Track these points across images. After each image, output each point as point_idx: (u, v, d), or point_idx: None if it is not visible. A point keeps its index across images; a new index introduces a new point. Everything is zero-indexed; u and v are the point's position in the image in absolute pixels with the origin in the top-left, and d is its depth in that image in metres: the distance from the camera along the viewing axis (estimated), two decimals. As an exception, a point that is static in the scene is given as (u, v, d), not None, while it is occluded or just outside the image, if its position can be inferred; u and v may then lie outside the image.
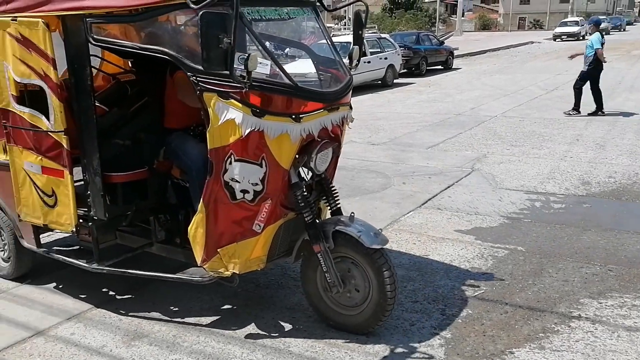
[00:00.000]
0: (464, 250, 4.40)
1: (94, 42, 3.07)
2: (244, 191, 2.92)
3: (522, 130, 9.07)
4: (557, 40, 37.61)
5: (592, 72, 9.88)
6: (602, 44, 9.81)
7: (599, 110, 9.97)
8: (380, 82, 16.38)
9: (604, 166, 6.65)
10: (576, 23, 39.73)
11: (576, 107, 10.12)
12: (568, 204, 5.44)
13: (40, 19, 3.20)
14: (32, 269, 4.05)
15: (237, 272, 3.13)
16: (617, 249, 4.29)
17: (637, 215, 5.08)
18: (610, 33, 43.85)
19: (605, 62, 10.00)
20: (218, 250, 3.07)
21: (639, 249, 4.25)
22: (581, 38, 37.63)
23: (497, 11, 74.92)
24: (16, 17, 3.31)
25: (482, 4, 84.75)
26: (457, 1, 48.11)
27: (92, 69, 3.34)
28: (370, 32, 18.40)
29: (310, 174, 3.27)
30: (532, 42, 35.99)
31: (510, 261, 4.16)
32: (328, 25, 39.94)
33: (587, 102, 10.15)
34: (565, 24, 40.06)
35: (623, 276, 3.82)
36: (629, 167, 6.53)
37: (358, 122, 10.06)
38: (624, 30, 48.77)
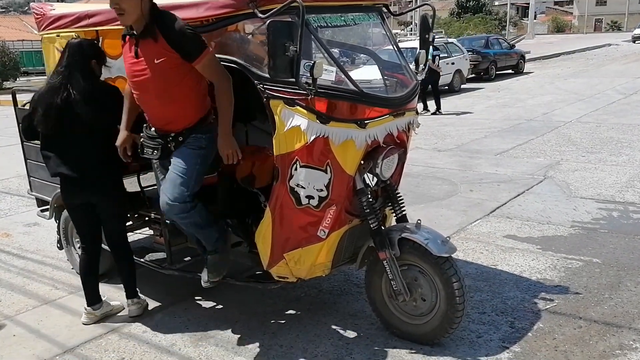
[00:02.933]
0: (534, 261, 4.22)
1: None
2: (309, 197, 2.93)
3: (598, 136, 8.62)
4: (636, 42, 35.57)
5: None
6: None
7: None
8: (447, 87, 16.09)
9: (692, 174, 6.20)
10: (658, 24, 37.39)
11: None
12: (650, 214, 5.11)
13: (74, 33, 3.56)
14: (110, 268, 4.25)
15: (302, 277, 3.15)
16: None
17: None
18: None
19: None
20: (284, 255, 3.09)
21: None
22: (663, 39, 35.43)
23: (572, 13, 71.87)
24: (59, 33, 3.69)
25: (555, 5, 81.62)
26: (528, 3, 46.53)
27: None
28: (437, 36, 18.09)
29: (376, 180, 3.24)
30: (610, 45, 34.18)
31: (585, 273, 3.94)
32: (394, 31, 39.74)
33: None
34: (645, 25, 37.77)
35: None
36: None
37: (423, 128, 9.91)
38: None
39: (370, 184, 3.27)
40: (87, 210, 3.48)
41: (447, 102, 14.11)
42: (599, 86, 14.79)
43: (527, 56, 22.76)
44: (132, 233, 4.28)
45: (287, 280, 3.20)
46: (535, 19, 52.01)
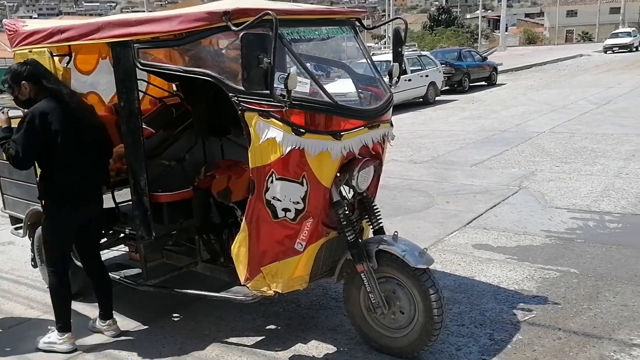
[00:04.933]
0: (512, 271, 4.23)
1: (141, 67, 3.15)
2: (286, 209, 2.91)
3: (572, 146, 8.77)
4: (607, 52, 36.51)
5: None
6: None
7: None
8: (421, 99, 16.27)
9: (663, 183, 6.33)
10: (628, 34, 38.51)
11: None
12: (625, 223, 5.18)
13: (46, 49, 3.55)
14: (84, 287, 4.14)
15: (280, 291, 3.10)
16: (680, 270, 4.04)
17: (701, 235, 4.79)
18: None
19: None
20: (261, 268, 3.06)
21: None
22: (634, 49, 36.51)
23: (543, 25, 73.62)
24: (32, 48, 3.66)
25: (526, 18, 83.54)
26: (499, 16, 47.53)
27: (139, 92, 3.43)
28: (410, 49, 18.35)
29: (352, 192, 3.23)
30: (581, 55, 35.02)
31: (563, 284, 3.97)
32: (368, 44, 40.22)
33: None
34: (616, 35, 38.93)
35: (690, 301, 3.58)
36: (690, 184, 6.19)
37: (400, 141, 10.05)
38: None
39: (346, 196, 3.25)
40: (83, 227, 3.45)
41: (421, 114, 14.27)
42: (572, 97, 15.09)
43: (500, 68, 23.14)
44: (107, 250, 4.20)
45: (265, 295, 3.15)
46: (506, 31, 53.12)
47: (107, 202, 3.82)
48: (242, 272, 3.10)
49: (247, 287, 3.15)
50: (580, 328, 3.35)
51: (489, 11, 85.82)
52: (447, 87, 18.46)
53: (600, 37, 51.28)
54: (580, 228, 5.11)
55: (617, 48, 36.56)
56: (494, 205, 5.95)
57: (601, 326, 3.35)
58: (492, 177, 7.17)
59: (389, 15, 36.39)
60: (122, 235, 4.00)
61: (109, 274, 3.71)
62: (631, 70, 22.48)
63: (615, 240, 4.77)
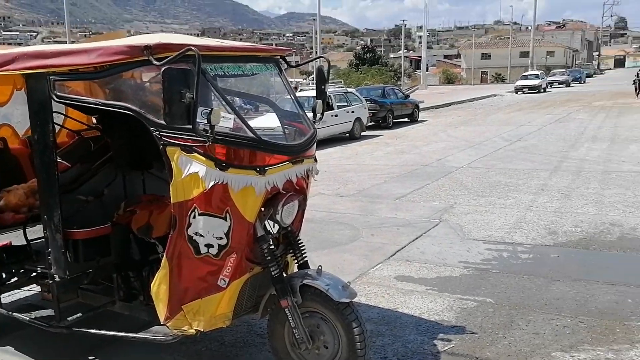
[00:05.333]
0: (433, 302, 4.36)
1: (56, 99, 3.05)
2: (209, 245, 2.87)
3: (487, 180, 9.26)
4: (518, 93, 39.26)
5: None
6: None
7: None
8: (348, 134, 16.68)
9: (570, 216, 6.77)
10: (536, 76, 41.69)
11: None
12: (536, 254, 5.49)
13: None
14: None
15: (202, 330, 3.02)
16: (587, 299, 4.31)
17: (605, 265, 5.14)
18: (571, 85, 46.29)
19: None
20: (182, 307, 2.98)
21: (609, 300, 4.27)
22: (542, 90, 39.48)
23: (460, 66, 78.12)
24: None
25: (445, 59, 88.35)
26: (420, 56, 49.99)
27: (55, 125, 3.31)
28: (336, 86, 18.87)
29: (277, 227, 3.23)
30: (495, 95, 37.40)
31: (480, 313, 4.13)
32: (296, 80, 40.93)
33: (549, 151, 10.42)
34: (526, 77, 42.02)
35: (594, 328, 3.81)
36: (595, 217, 6.67)
37: (326, 174, 10.24)
38: (584, 82, 51.20)
39: (271, 230, 3.25)
40: None
41: (348, 149, 14.59)
42: (487, 134, 16.00)
43: (421, 105, 24.22)
44: (18, 290, 3.94)
45: (186, 334, 3.05)
46: (427, 70, 55.89)
47: (19, 239, 3.62)
48: (162, 311, 3.00)
49: (167, 327, 3.04)
50: (496, 357, 3.48)
51: (411, 52, 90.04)
52: (372, 123, 19.07)
53: (512, 78, 55.08)
54: (495, 259, 5.37)
55: (527, 89, 39.44)
56: (416, 238, 6.13)
57: (515, 354, 3.50)
58: (414, 210, 7.41)
59: (316, 52, 37.29)
60: (34, 274, 3.77)
61: (18, 315, 3.47)
62: (539, 109, 24.22)
63: (527, 270, 5.03)
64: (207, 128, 2.62)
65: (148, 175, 4.09)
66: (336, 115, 16.06)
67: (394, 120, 20.26)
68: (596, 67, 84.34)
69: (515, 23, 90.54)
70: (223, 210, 2.82)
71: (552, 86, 44.37)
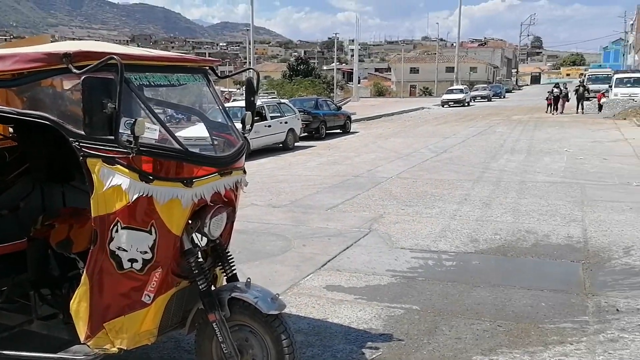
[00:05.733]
0: (362, 311, 4.43)
1: None
2: (132, 260, 2.78)
3: (415, 190, 9.54)
4: (445, 106, 40.89)
5: None
6: None
7: None
8: (281, 145, 16.72)
9: (490, 224, 7.11)
10: (461, 91, 43.61)
11: None
12: (459, 261, 5.72)
13: None
14: None
15: (125, 348, 2.92)
16: (505, 304, 4.52)
17: (522, 271, 5.42)
18: (492, 100, 48.75)
19: None
20: (104, 325, 2.86)
21: (525, 304, 4.50)
22: (466, 104, 41.31)
23: (390, 79, 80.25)
24: None
25: (376, 72, 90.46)
26: (352, 69, 50.96)
27: None
28: (270, 97, 18.90)
29: (205, 239, 3.19)
30: (423, 108, 38.72)
31: (406, 320, 4.24)
32: (229, 89, 40.56)
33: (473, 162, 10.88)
34: (451, 92, 43.88)
35: (512, 331, 4.01)
36: (512, 225, 7.02)
37: (259, 185, 10.21)
38: (504, 97, 54.02)
39: (199, 243, 3.20)
40: None
41: (281, 160, 14.61)
42: (415, 145, 16.52)
43: (353, 117, 24.69)
44: None
45: (108, 353, 2.93)
46: (359, 83, 57.11)
47: None
48: (82, 330, 2.87)
49: (88, 346, 2.92)
50: (421, 362, 3.59)
51: (344, 64, 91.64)
52: (306, 134, 19.22)
53: (439, 92, 57.29)
54: (421, 267, 5.54)
55: (453, 103, 41.17)
56: (347, 248, 6.22)
57: (439, 359, 3.63)
58: (345, 220, 7.51)
59: (249, 62, 37.16)
60: None
61: None
62: (463, 122, 25.30)
63: (451, 277, 5.23)
64: (131, 139, 2.55)
65: (68, 187, 3.92)
66: (269, 126, 16.08)
67: (327, 132, 20.52)
68: (515, 83, 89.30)
69: (441, 39, 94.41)
70: (148, 224, 2.75)
71: (475, 100, 46.59)
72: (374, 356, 3.66)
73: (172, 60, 3.24)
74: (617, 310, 4.30)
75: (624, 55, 75.04)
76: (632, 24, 66.60)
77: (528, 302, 4.53)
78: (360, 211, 8.09)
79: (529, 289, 4.82)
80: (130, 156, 2.61)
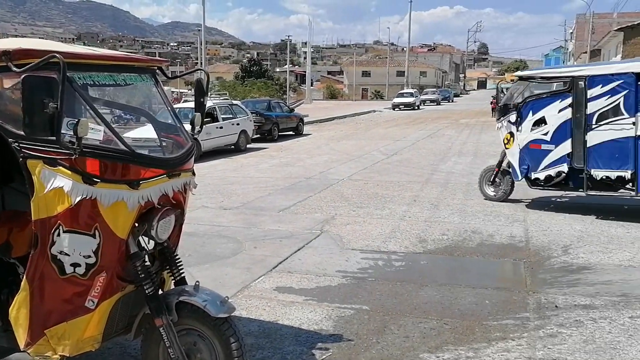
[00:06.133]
0: (312, 313, 4.45)
1: None
2: (75, 264, 2.71)
3: (366, 192, 9.66)
4: (395, 109, 41.60)
5: None
6: None
7: None
8: (233, 147, 16.58)
9: (438, 225, 7.28)
10: (411, 94, 44.47)
11: None
12: (407, 261, 5.83)
13: None
14: None
15: (68, 355, 2.83)
16: (452, 302, 4.65)
17: (467, 270, 5.59)
18: (441, 104, 50.01)
19: None
20: (45, 331, 2.78)
21: (470, 302, 4.64)
22: (416, 108, 42.17)
23: (343, 82, 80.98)
24: None
25: (328, 75, 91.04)
26: (306, 72, 51.11)
27: None
28: (222, 98, 18.70)
29: (152, 243, 3.13)
30: (375, 111, 39.24)
31: (356, 321, 4.29)
32: (180, 90, 39.89)
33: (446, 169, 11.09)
34: (402, 95, 44.69)
35: (457, 329, 4.12)
36: (459, 225, 7.22)
37: (210, 187, 10.09)
38: (452, 101, 55.49)
39: (146, 247, 3.14)
40: None
41: (233, 161, 14.49)
42: (366, 147, 16.73)
43: (306, 119, 24.77)
44: None
45: (49, 360, 2.84)
46: (312, 85, 57.35)
47: None
48: (22, 337, 2.77)
49: (29, 353, 2.83)
50: (370, 361, 3.64)
51: (296, 66, 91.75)
52: (258, 136, 19.12)
53: (390, 96, 58.20)
54: (372, 267, 5.62)
55: (403, 106, 41.96)
56: (298, 249, 6.24)
57: (387, 358, 3.69)
58: (297, 222, 7.53)
59: (201, 63, 36.65)
60: None
61: None
62: (414, 125, 25.81)
63: (400, 277, 5.33)
64: (74, 140, 2.49)
65: (8, 189, 3.77)
66: (221, 128, 15.91)
67: (280, 133, 20.50)
68: (462, 87, 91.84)
69: (392, 44, 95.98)
70: (91, 227, 2.68)
71: (425, 104, 47.64)
72: (323, 357, 3.69)
73: (119, 59, 3.17)
74: (556, 306, 4.50)
75: (564, 62, 78.52)
76: (572, 33, 69.85)
77: (473, 300, 4.67)
78: (312, 213, 8.12)
79: (474, 288, 4.97)
80: (73, 157, 2.55)
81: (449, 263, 5.81)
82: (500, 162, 8.61)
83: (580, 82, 7.23)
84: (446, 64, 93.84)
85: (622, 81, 6.89)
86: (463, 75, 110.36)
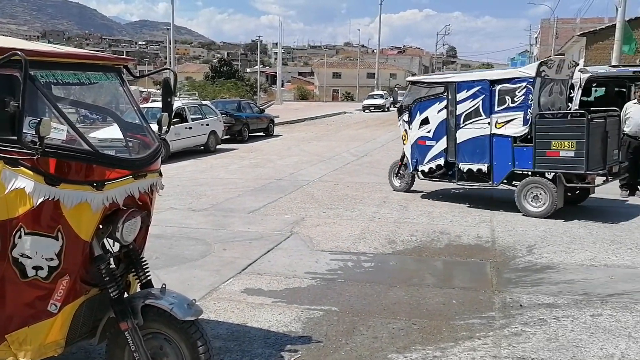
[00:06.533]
0: (281, 315, 4.44)
1: None
2: (37, 267, 2.66)
3: (336, 193, 9.69)
4: (366, 111, 41.86)
5: None
6: None
7: None
8: (202, 147, 16.42)
9: (407, 225, 7.35)
10: (381, 96, 44.80)
11: None
12: (377, 262, 5.87)
13: None
14: None
15: (29, 361, 2.76)
16: (420, 302, 4.70)
17: (435, 271, 5.65)
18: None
19: None
20: (5, 336, 2.72)
21: (437, 302, 4.70)
22: (386, 110, 42.52)
23: (313, 83, 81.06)
24: None
25: (299, 76, 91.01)
26: (276, 72, 50.99)
27: None
28: (191, 99, 18.49)
29: (117, 245, 3.08)
30: (345, 113, 39.41)
31: (325, 322, 4.29)
32: (149, 90, 39.27)
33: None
34: (372, 97, 45.02)
35: (425, 329, 4.16)
36: (428, 226, 7.31)
37: (179, 188, 9.98)
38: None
39: (110, 249, 3.08)
40: None
41: (202, 162, 14.35)
42: (337, 149, 16.78)
43: (277, 120, 24.68)
44: None
45: (9, 367, 2.76)
46: (282, 86, 57.27)
47: None
48: (-19, 343, 2.69)
49: (-13, 360, 2.74)
50: (339, 362, 3.65)
51: (267, 67, 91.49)
52: (228, 136, 18.99)
53: (360, 97, 58.53)
54: (341, 268, 5.64)
55: (373, 108, 42.25)
56: (268, 251, 6.21)
57: (355, 359, 3.70)
58: (267, 224, 7.50)
59: (170, 63, 36.18)
60: None
61: None
62: (384, 127, 26.00)
63: (369, 278, 5.36)
64: (36, 140, 2.43)
65: None
66: (190, 128, 15.76)
67: (250, 134, 20.41)
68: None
69: (362, 46, 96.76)
70: (54, 229, 2.63)
71: (395, 106, 47.93)
72: (292, 359, 3.68)
73: (83, 57, 3.11)
74: (521, 305, 4.59)
75: (530, 66, 79.85)
76: (537, 37, 71.50)
77: (440, 300, 4.73)
78: (282, 214, 8.10)
79: (442, 288, 5.04)
80: (35, 158, 2.50)
81: (418, 264, 5.87)
82: (402, 157, 9.49)
83: (451, 87, 8.33)
84: (416, 67, 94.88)
85: (480, 87, 7.96)
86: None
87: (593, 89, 13.79)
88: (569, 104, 8.76)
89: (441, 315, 4.40)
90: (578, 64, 10.26)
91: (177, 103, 15.73)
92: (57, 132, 2.60)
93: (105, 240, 2.98)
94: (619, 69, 11.93)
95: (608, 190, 9.20)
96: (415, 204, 8.75)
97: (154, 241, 6.04)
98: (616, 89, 13.30)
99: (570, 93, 8.76)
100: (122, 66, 3.34)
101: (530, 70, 7.69)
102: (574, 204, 8.18)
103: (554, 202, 7.42)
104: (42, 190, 2.53)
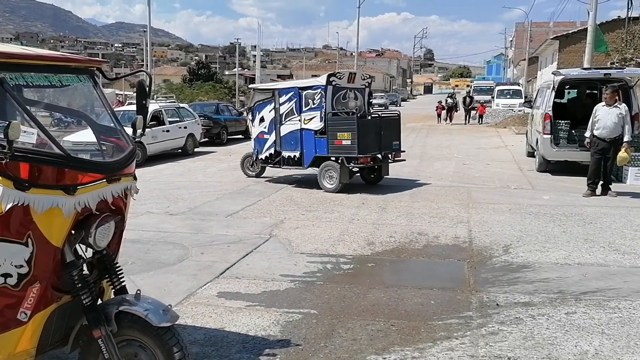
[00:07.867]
0: (260, 318, 4.41)
1: None
2: (6, 275, 2.58)
3: (315, 196, 9.68)
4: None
5: None
6: None
7: None
8: (180, 150, 16.28)
9: (386, 227, 7.38)
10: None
11: None
12: (356, 264, 5.87)
13: None
14: None
15: (-2, 371, 2.69)
16: (398, 303, 4.71)
17: (413, 272, 5.69)
18: (389, 108, 50.81)
19: None
20: (-27, 346, 2.63)
21: (416, 303, 4.72)
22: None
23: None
24: None
25: (278, 78, 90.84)
26: (255, 75, 50.80)
27: None
28: (169, 101, 18.32)
29: (90, 251, 3.02)
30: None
31: (304, 325, 4.27)
32: (125, 92, 38.79)
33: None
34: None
35: (403, 330, 4.17)
36: (406, 227, 7.34)
37: (156, 192, 9.87)
38: (400, 105, 56.42)
39: (83, 255, 3.02)
40: None
41: (180, 165, 14.21)
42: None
43: (255, 123, 24.57)
44: None
45: (-23, 379, 2.69)
46: (262, 89, 56.77)
47: None
48: (-53, 353, 2.62)
49: (-46, 371, 2.66)
50: (318, 365, 3.63)
51: (246, 70, 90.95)
52: (206, 139, 18.85)
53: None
54: (320, 271, 5.62)
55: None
56: (247, 254, 6.17)
57: (335, 362, 3.70)
58: (245, 227, 7.45)
59: (147, 65, 35.77)
60: None
61: None
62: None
63: (348, 279, 5.36)
64: (4, 143, 2.37)
65: None
66: (168, 131, 15.61)
67: (228, 137, 20.30)
68: (409, 92, 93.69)
69: (341, 48, 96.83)
70: (23, 235, 2.56)
71: (374, 108, 48.20)
72: (271, 363, 3.65)
73: (54, 59, 3.04)
74: (497, 304, 4.63)
75: (504, 68, 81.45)
76: (512, 41, 72.59)
77: (419, 301, 4.75)
78: (261, 217, 8.06)
79: (420, 288, 5.06)
80: (4, 162, 2.43)
81: (396, 265, 5.89)
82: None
83: (276, 93, 10.59)
84: (394, 69, 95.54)
85: (293, 92, 10.33)
86: (410, 80, 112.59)
87: (566, 91, 14.07)
88: (371, 107, 11.30)
89: (419, 316, 4.42)
90: (372, 77, 12.92)
91: (154, 106, 15.56)
92: (27, 136, 2.54)
93: (77, 245, 2.92)
94: (590, 71, 12.23)
95: (581, 190, 9.37)
96: (394, 205, 8.79)
97: (130, 246, 5.95)
98: (588, 91, 13.55)
99: (369, 99, 11.01)
100: (95, 68, 3.28)
101: (322, 80, 10.05)
102: (374, 184, 10.74)
103: (341, 179, 9.83)
104: (11, 195, 2.46)
